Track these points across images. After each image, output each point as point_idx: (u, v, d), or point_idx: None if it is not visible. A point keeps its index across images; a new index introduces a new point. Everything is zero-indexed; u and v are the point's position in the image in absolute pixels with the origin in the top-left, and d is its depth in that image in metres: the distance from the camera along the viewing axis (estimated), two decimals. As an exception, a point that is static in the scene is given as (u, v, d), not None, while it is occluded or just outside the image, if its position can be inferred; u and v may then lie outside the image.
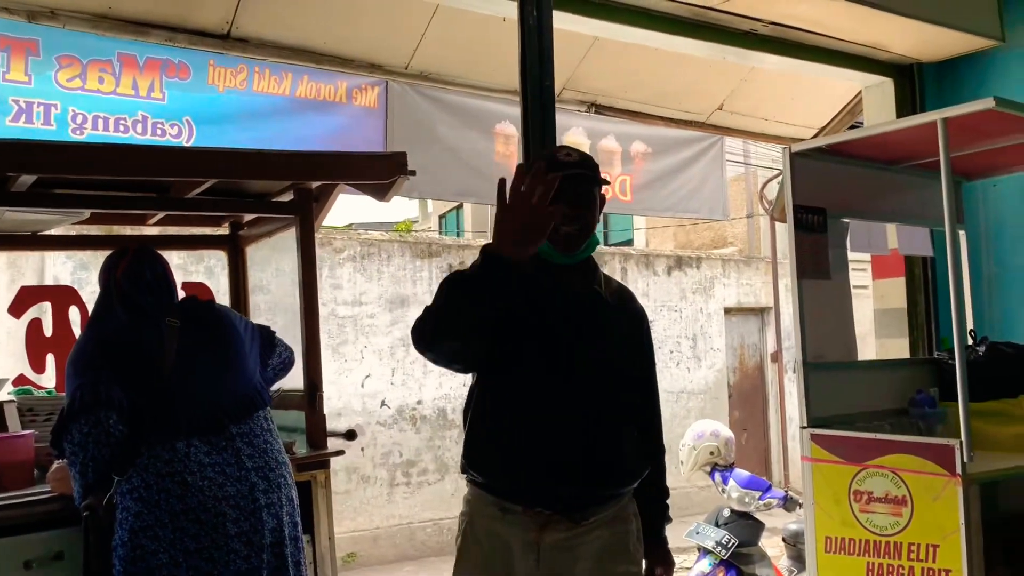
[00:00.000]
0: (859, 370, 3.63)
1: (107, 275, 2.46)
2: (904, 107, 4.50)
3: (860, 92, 4.93)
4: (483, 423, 2.02)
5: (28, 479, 2.59)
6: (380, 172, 3.04)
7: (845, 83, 4.99)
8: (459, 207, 18.44)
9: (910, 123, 3.23)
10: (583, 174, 2.01)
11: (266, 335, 2.69)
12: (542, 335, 1.98)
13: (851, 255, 3.67)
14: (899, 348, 4.53)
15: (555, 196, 1.81)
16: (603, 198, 2.10)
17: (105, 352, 2.30)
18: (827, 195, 3.44)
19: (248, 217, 3.56)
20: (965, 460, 2.79)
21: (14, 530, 2.37)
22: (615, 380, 2.04)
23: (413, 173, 3.12)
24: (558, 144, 3.29)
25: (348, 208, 34.99)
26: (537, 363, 1.97)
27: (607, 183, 2.11)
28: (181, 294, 2.61)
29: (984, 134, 3.31)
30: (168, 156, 2.91)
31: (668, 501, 2.22)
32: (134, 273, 2.43)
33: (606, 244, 12.63)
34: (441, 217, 19.53)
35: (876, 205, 3.73)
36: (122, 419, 2.20)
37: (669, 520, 2.21)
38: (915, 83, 4.55)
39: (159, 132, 4.08)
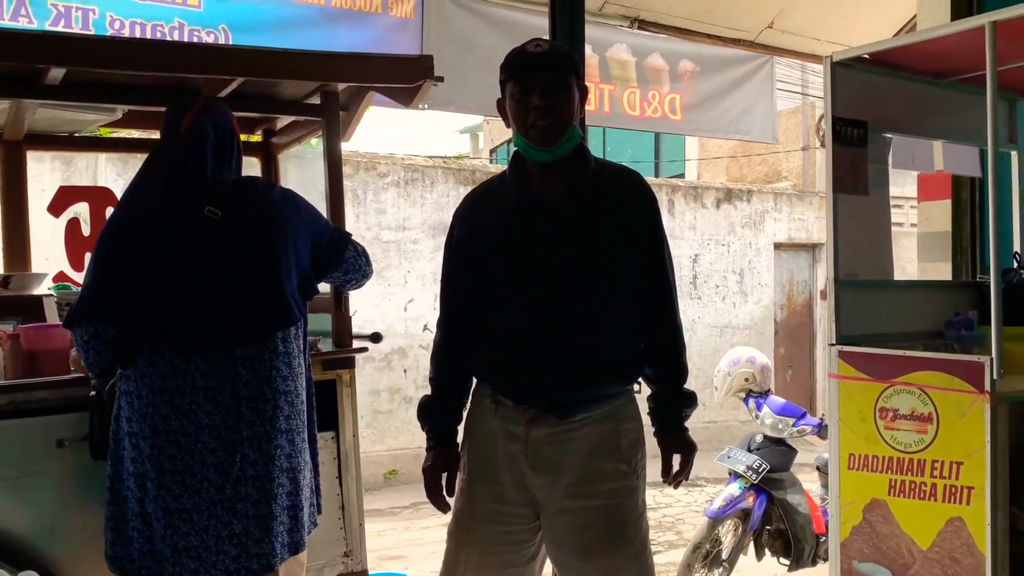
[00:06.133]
0: (895, 290, 3.55)
1: (168, 130, 2.29)
2: (961, 16, 4.25)
3: (916, 14, 4.68)
4: (480, 334, 2.09)
5: (63, 367, 2.68)
6: (405, 75, 3.02)
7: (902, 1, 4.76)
8: (510, 141, 18.28)
9: (957, 28, 3.05)
10: (553, 64, 1.96)
11: (337, 241, 2.50)
12: (511, 252, 2.02)
13: (899, 194, 3.53)
14: (941, 273, 4.39)
15: (527, 88, 1.95)
16: (584, 90, 2.06)
17: (126, 242, 2.22)
18: (869, 108, 3.30)
19: (280, 124, 3.59)
20: (995, 377, 2.73)
21: (49, 411, 2.49)
22: (595, 283, 2.00)
23: (440, 79, 3.09)
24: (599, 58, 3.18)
25: (395, 140, 34.58)
26: (511, 278, 2.02)
27: (578, 76, 2.03)
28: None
29: (1040, 43, 3.13)
30: (197, 52, 2.94)
31: (688, 388, 2.14)
32: (198, 134, 2.25)
33: (656, 176, 12.42)
34: (492, 151, 19.38)
35: (922, 121, 3.57)
36: (122, 331, 2.19)
37: (690, 406, 2.13)
38: (975, -9, 4.28)
39: (195, 39, 4.10)
